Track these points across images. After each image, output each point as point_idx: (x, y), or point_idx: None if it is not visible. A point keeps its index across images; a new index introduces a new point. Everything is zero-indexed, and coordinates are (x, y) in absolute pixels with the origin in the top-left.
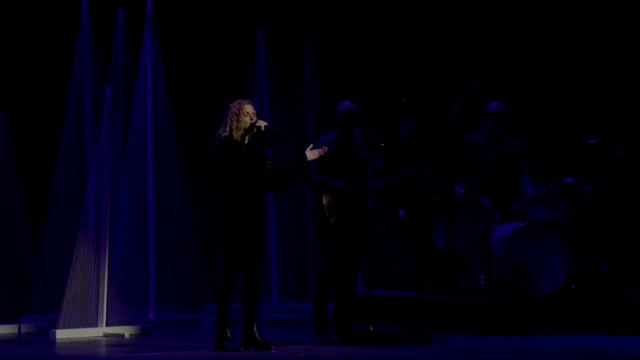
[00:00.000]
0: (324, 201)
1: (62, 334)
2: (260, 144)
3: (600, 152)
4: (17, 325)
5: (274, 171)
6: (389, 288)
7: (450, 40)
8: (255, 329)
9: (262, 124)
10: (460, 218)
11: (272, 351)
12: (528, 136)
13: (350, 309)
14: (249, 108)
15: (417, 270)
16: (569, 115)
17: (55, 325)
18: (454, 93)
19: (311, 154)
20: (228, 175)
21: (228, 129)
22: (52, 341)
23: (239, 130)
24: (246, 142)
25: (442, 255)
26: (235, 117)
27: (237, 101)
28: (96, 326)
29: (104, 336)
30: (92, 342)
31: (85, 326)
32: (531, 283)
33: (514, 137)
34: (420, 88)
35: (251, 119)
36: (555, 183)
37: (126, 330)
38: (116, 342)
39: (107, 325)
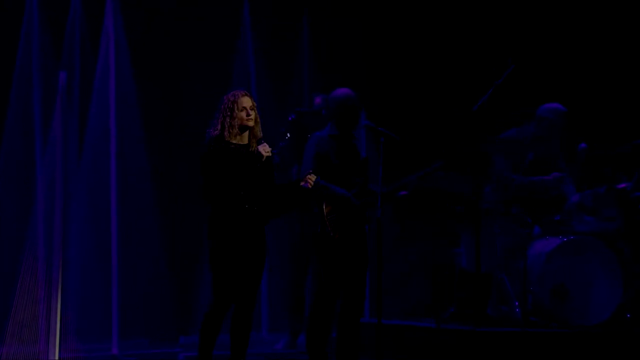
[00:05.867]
0: (324, 211)
1: None
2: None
3: None
4: None
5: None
6: (401, 316)
7: (473, 17)
8: None
9: (264, 152)
10: (489, 231)
11: None
12: (571, 133)
13: (355, 341)
14: (245, 101)
15: (436, 295)
16: (620, 108)
17: None
18: (481, 81)
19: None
20: (216, 182)
21: (220, 126)
22: None
23: (232, 129)
24: (239, 141)
25: (466, 277)
26: (229, 113)
27: (231, 93)
28: None
29: None
30: None
31: None
32: (576, 310)
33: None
34: (438, 75)
35: (247, 115)
36: (606, 189)
37: None
38: None
39: None
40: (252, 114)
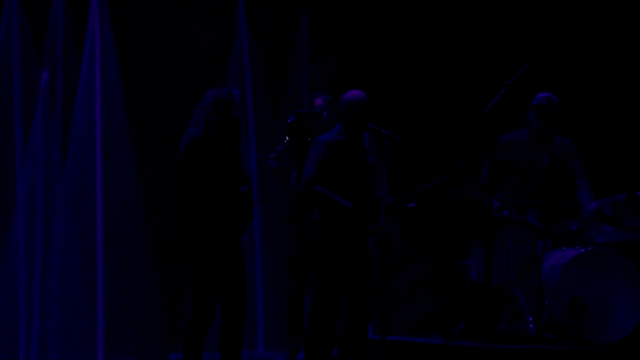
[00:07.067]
0: (320, 218)
1: None
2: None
3: None
4: None
5: None
6: (407, 332)
7: (482, 13)
8: None
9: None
10: (500, 242)
11: None
12: (587, 136)
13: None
14: (232, 99)
15: (445, 309)
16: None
17: None
18: (493, 81)
19: None
20: (197, 182)
21: (204, 124)
22: None
23: (219, 127)
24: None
25: (477, 290)
26: (213, 109)
27: (216, 90)
28: None
29: None
30: None
31: None
32: (594, 326)
33: (561, 134)
34: (446, 75)
35: (235, 113)
36: (626, 196)
37: None
38: None
39: None
40: (238, 113)
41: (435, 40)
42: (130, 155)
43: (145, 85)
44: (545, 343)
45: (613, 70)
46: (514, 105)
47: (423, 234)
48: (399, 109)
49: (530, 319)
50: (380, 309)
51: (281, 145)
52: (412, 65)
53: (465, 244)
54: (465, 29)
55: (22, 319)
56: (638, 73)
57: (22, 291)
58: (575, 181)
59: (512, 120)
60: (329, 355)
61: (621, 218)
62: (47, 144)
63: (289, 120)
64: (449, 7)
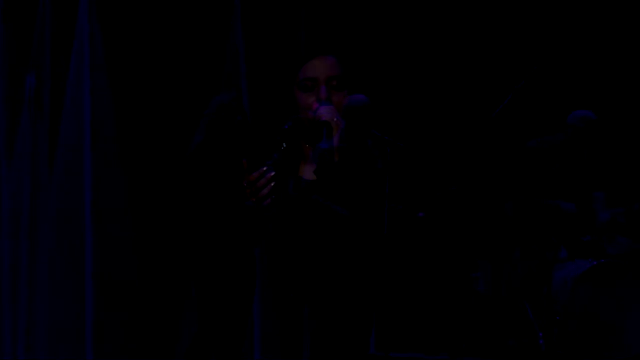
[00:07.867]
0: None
1: None
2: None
3: None
4: None
5: None
6: (411, 348)
7: (494, 10)
8: None
9: None
10: (509, 253)
11: None
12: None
13: None
14: (234, 104)
15: (451, 324)
16: None
17: None
18: (501, 85)
19: None
20: (204, 191)
21: (206, 131)
22: None
23: (222, 132)
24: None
25: (484, 304)
26: (216, 116)
27: (219, 96)
28: None
29: None
30: None
31: None
32: (609, 342)
33: None
34: (454, 76)
35: (242, 118)
36: None
37: None
38: None
39: None
40: (242, 118)
41: (441, 41)
42: (119, 160)
43: (136, 88)
44: None
45: (630, 74)
46: (523, 109)
47: (429, 244)
48: (401, 112)
49: (541, 334)
50: (384, 323)
51: (278, 153)
52: (416, 67)
53: (472, 255)
54: (472, 29)
55: (7, 332)
56: None
57: (7, 303)
58: (590, 190)
59: (520, 124)
60: None
61: (636, 228)
62: (34, 149)
63: (286, 126)
64: (455, 6)
